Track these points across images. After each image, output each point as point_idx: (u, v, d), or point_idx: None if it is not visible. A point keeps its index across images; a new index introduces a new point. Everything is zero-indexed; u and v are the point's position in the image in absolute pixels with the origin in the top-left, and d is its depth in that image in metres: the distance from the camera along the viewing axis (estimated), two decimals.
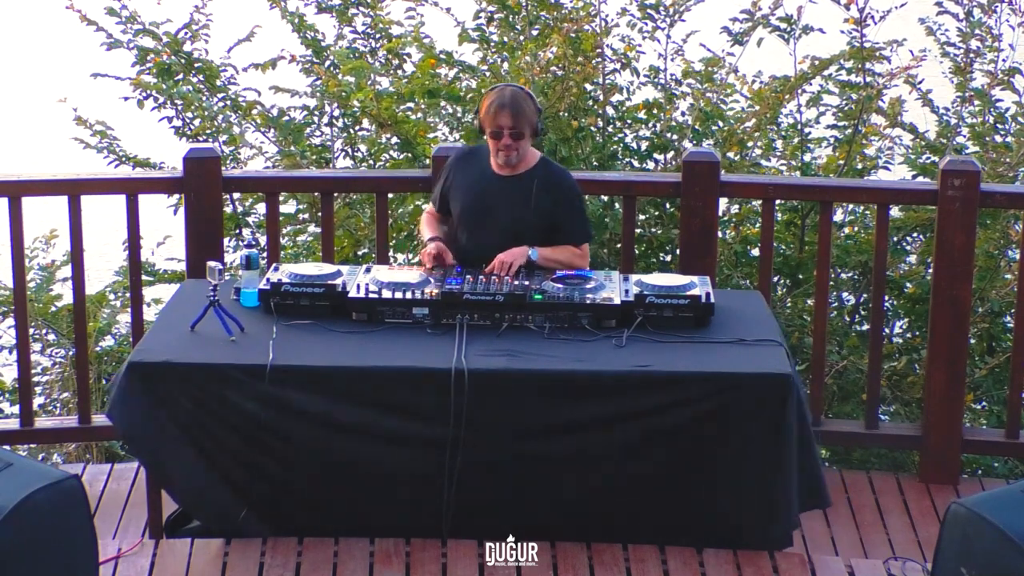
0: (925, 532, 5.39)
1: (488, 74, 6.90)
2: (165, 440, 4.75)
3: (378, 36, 7.23)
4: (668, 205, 6.79)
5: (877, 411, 5.92)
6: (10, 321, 6.60)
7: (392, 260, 6.49)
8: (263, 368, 4.67)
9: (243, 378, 4.69)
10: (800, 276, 6.77)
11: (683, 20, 7.06)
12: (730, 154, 6.85)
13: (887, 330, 6.80)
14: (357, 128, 7.16)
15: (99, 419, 5.94)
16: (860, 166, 6.93)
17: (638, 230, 6.59)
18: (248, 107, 7.00)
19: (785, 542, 4.84)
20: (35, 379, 6.64)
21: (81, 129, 6.96)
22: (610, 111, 7.00)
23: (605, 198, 6.69)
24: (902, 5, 6.96)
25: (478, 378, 4.64)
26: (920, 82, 6.95)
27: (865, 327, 6.75)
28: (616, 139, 6.96)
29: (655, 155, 7.00)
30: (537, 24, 7.11)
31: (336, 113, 7.10)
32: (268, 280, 5.08)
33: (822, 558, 4.99)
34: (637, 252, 6.50)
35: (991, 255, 6.66)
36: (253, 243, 5.12)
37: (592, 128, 6.89)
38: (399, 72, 7.16)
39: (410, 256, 6.90)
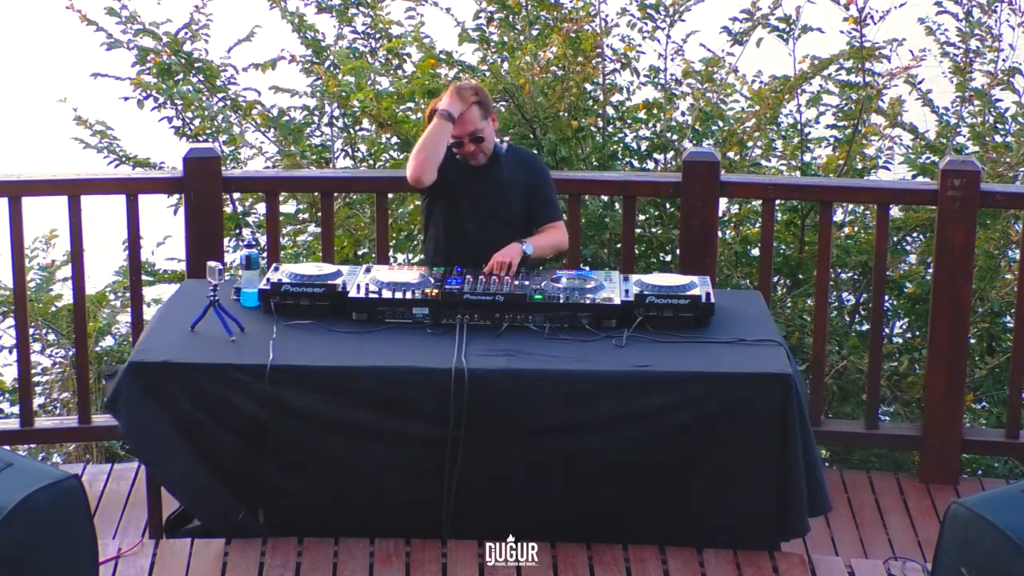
0: (925, 532, 5.39)
1: (488, 74, 6.90)
2: (165, 440, 4.75)
3: (378, 36, 7.24)
4: (668, 205, 6.79)
5: (877, 411, 5.92)
6: (10, 321, 6.61)
7: (392, 260, 6.49)
8: (263, 368, 4.67)
9: (243, 378, 4.69)
10: (800, 276, 6.77)
11: (683, 20, 7.06)
12: (730, 154, 6.85)
13: (887, 330, 6.80)
14: (357, 128, 7.16)
15: (99, 419, 5.94)
16: (860, 166, 6.93)
17: (638, 230, 6.59)
18: (248, 107, 7.01)
19: (782, 539, 4.84)
20: (35, 379, 6.64)
21: (81, 129, 6.97)
22: (610, 111, 7.00)
23: (605, 198, 6.70)
24: (902, 5, 6.97)
25: (478, 378, 4.64)
26: (920, 82, 6.95)
27: (865, 327, 6.76)
28: (616, 139, 6.96)
29: (655, 155, 7.00)
30: (537, 24, 7.11)
31: (336, 113, 7.10)
32: (268, 280, 5.08)
33: (822, 558, 4.99)
34: (637, 252, 6.50)
35: (991, 255, 6.66)
36: (253, 243, 5.12)
37: (592, 128, 6.89)
38: (399, 72, 7.16)
39: (410, 256, 6.90)
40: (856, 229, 6.97)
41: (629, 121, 7.02)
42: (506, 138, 5.53)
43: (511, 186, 5.30)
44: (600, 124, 6.98)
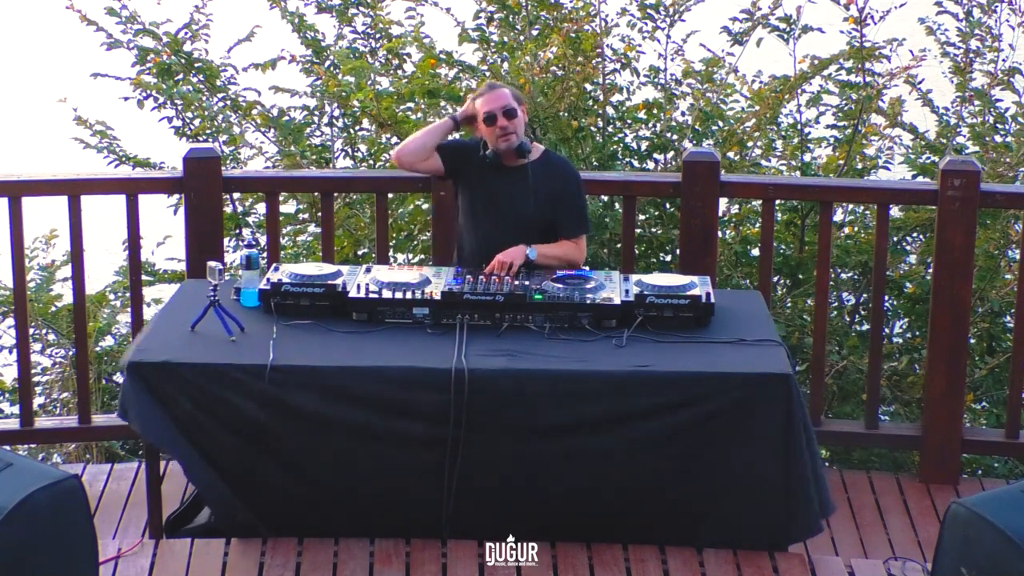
0: (925, 532, 5.39)
1: (488, 74, 6.90)
2: (166, 439, 4.75)
3: (378, 36, 7.24)
4: (668, 205, 6.79)
5: (877, 411, 5.92)
6: (10, 321, 6.61)
7: (392, 260, 6.49)
8: (263, 368, 4.67)
9: (243, 378, 4.68)
10: (800, 276, 6.78)
11: (683, 20, 7.06)
12: (730, 154, 6.85)
13: (887, 330, 6.80)
14: (357, 128, 7.16)
15: (99, 419, 5.95)
16: (860, 166, 6.94)
17: (638, 230, 6.59)
18: (248, 107, 7.01)
19: (785, 544, 4.83)
20: (35, 379, 6.64)
21: (81, 129, 6.97)
22: (610, 111, 7.00)
23: (605, 198, 6.70)
24: (902, 5, 6.97)
25: (478, 378, 4.64)
26: (920, 82, 6.95)
27: (865, 327, 6.76)
28: (616, 139, 6.96)
29: (655, 155, 7.00)
30: (537, 24, 7.11)
31: (336, 113, 7.10)
32: (268, 280, 5.08)
33: (822, 558, 4.99)
34: (637, 252, 6.50)
35: (991, 255, 6.66)
36: (253, 243, 5.12)
37: (592, 128, 6.89)
38: (399, 72, 7.16)
39: (410, 256, 6.90)
40: (856, 229, 6.97)
41: (629, 121, 7.02)
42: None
43: (538, 191, 5.28)
44: (600, 124, 6.98)
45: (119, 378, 6.68)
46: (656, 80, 7.08)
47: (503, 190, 5.29)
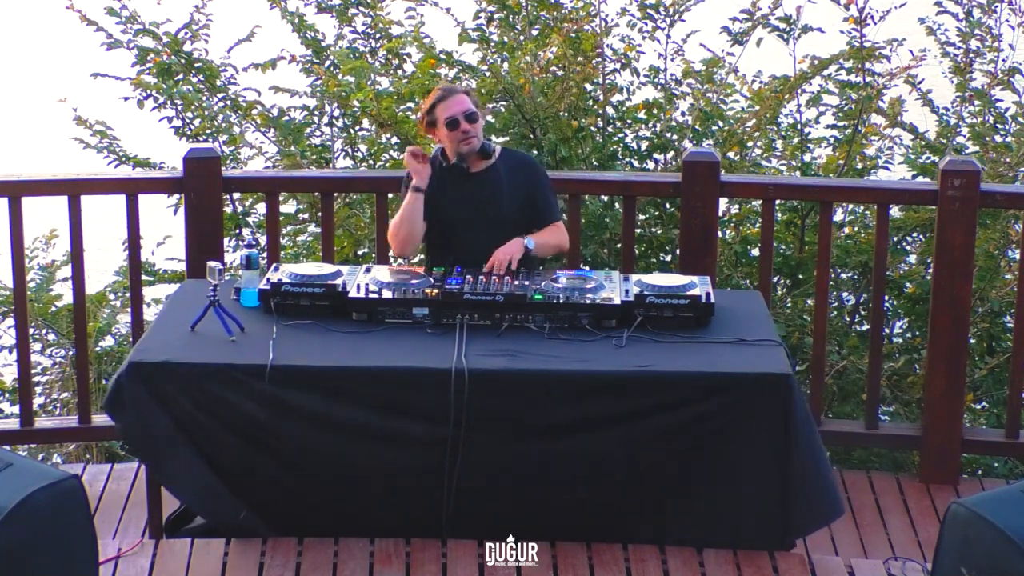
0: (925, 532, 5.39)
1: (488, 74, 6.90)
2: (166, 439, 4.75)
3: (378, 36, 7.24)
4: (668, 205, 6.79)
5: (877, 411, 5.92)
6: (10, 321, 6.61)
7: (392, 260, 6.49)
8: (263, 368, 4.67)
9: (243, 378, 4.69)
10: (800, 276, 6.77)
11: (683, 20, 7.06)
12: (730, 154, 6.85)
13: (887, 330, 6.80)
14: (357, 128, 7.16)
15: (99, 419, 5.94)
16: (860, 166, 6.94)
17: (638, 230, 6.59)
18: (248, 107, 7.01)
19: (787, 544, 4.83)
20: (35, 379, 6.64)
21: (81, 129, 6.97)
22: (610, 111, 7.00)
23: (605, 198, 6.70)
24: (902, 5, 6.97)
25: (478, 378, 4.64)
26: (920, 82, 6.95)
27: (865, 327, 6.76)
28: (616, 139, 6.96)
29: (655, 155, 7.00)
30: (537, 24, 7.11)
31: (336, 113, 7.10)
32: (268, 280, 5.08)
33: (822, 558, 4.99)
34: (637, 252, 6.50)
35: (991, 255, 6.66)
36: (253, 243, 5.13)
37: (592, 128, 6.89)
38: (399, 72, 7.16)
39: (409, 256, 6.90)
40: (856, 229, 6.97)
41: (629, 121, 7.02)
42: (497, 142, 5.52)
43: (509, 189, 5.30)
44: (600, 124, 6.98)
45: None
46: (656, 80, 7.08)
47: (477, 196, 5.30)
